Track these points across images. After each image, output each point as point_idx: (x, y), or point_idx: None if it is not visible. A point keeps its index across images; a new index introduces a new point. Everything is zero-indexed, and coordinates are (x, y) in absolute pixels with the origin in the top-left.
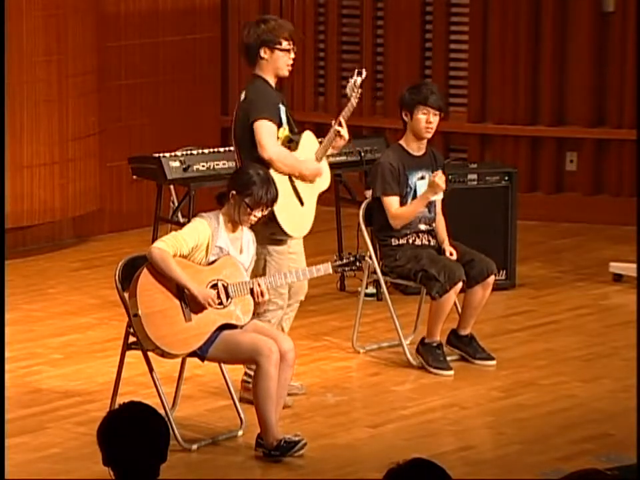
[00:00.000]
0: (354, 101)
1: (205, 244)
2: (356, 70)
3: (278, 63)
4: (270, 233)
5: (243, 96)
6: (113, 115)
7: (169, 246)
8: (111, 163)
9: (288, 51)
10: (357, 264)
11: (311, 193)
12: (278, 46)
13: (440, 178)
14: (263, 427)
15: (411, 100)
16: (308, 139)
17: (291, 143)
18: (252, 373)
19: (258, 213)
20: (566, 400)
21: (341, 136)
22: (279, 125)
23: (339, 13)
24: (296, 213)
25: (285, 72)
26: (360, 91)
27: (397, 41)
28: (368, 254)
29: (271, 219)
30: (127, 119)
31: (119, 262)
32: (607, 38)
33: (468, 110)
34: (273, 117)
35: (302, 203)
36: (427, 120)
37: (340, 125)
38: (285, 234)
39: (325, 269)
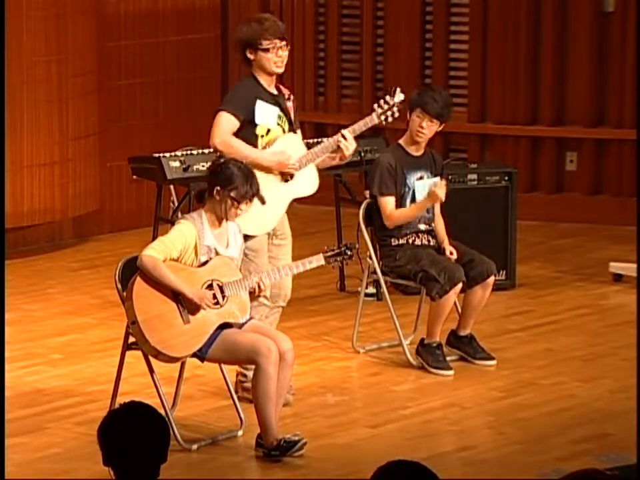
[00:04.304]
0: (375, 118)
1: (193, 245)
2: (392, 88)
3: (262, 62)
4: None
5: None
6: (113, 115)
7: (158, 252)
8: (111, 162)
9: (268, 50)
10: (348, 252)
11: (282, 194)
12: (259, 46)
13: (441, 189)
14: (263, 426)
15: (413, 100)
16: (289, 139)
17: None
18: (246, 372)
19: (244, 207)
20: (566, 400)
21: (340, 149)
22: (251, 122)
23: (339, 13)
24: (253, 212)
25: (274, 69)
26: (393, 112)
27: (397, 40)
28: (368, 254)
29: None
30: (126, 119)
31: (118, 262)
32: (607, 38)
33: (468, 110)
34: (237, 111)
35: (263, 202)
36: (420, 124)
37: (344, 137)
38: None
39: (317, 260)
